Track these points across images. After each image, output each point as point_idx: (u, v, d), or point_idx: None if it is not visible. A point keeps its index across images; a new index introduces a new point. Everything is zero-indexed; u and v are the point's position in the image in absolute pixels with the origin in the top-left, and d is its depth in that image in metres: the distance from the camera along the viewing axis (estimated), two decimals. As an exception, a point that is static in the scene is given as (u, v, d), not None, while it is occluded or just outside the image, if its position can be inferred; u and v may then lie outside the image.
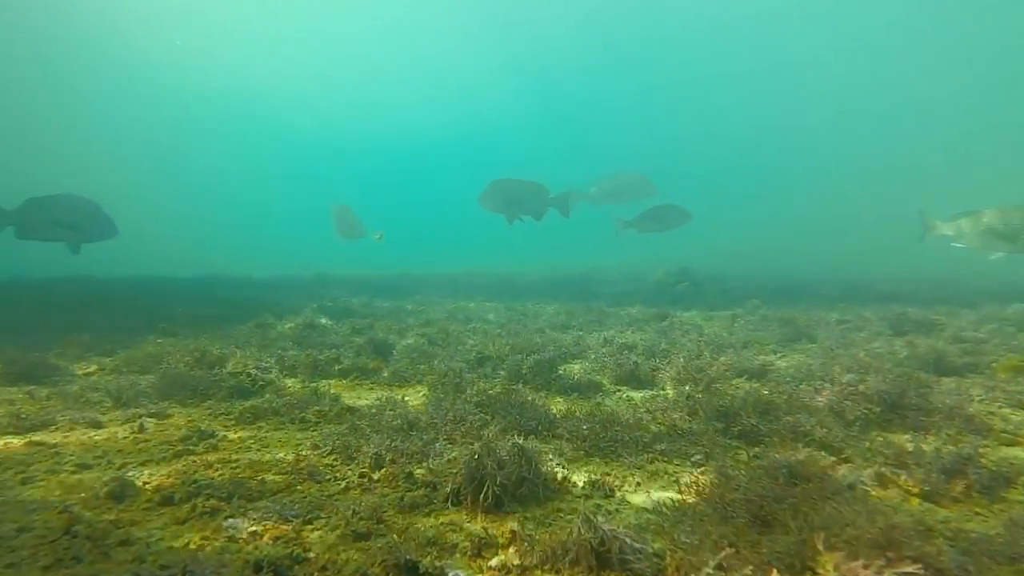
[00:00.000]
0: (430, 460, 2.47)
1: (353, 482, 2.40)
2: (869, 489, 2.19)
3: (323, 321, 8.44)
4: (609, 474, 2.33)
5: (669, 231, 10.99)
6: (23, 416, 3.32)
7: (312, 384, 4.79)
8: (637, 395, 4.17)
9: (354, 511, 2.01)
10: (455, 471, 2.15)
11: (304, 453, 2.82)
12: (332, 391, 4.17)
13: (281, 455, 2.84)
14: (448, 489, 2.11)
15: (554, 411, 3.28)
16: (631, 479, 2.31)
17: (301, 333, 7.45)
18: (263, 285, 16.35)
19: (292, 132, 58.09)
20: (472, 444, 2.44)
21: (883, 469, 2.27)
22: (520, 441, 2.22)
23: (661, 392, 4.25)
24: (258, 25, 45.33)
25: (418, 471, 2.40)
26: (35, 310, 9.42)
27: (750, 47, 45.60)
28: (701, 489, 1.98)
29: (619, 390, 4.35)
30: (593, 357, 5.89)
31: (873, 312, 9.35)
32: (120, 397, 3.87)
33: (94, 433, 3.23)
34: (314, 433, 3.27)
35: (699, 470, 2.37)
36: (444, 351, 6.03)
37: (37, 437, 3.11)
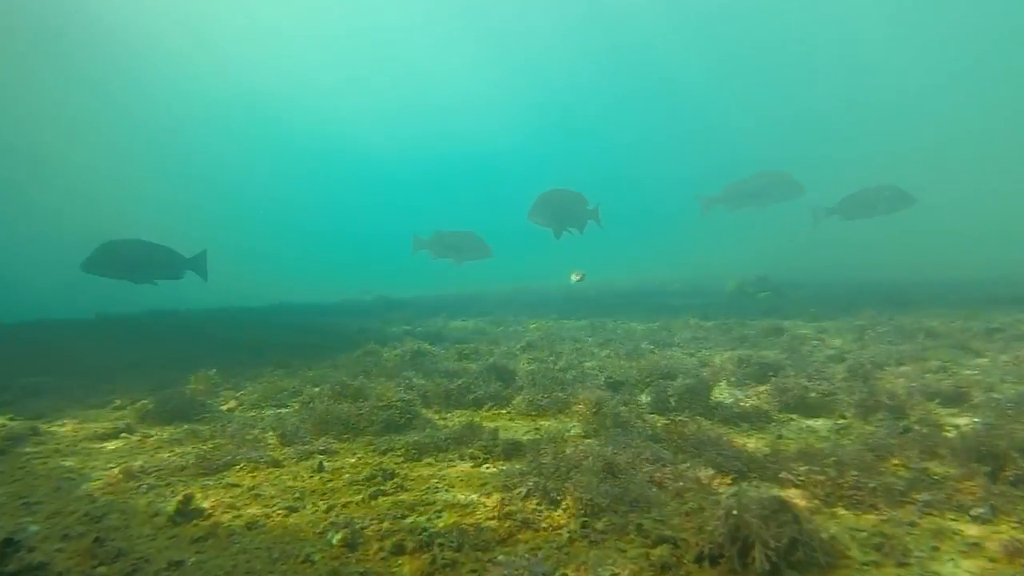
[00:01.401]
0: (655, 509, 2.37)
1: (575, 532, 2.34)
2: None
3: (428, 347, 8.62)
4: (886, 533, 2.12)
5: (885, 216, 10.49)
6: (207, 458, 3.53)
7: (450, 413, 4.86)
8: (819, 424, 3.90)
9: (612, 573, 1.93)
10: (706, 527, 2.02)
11: (500, 496, 2.80)
12: (484, 423, 4.18)
13: (474, 496, 2.84)
14: (700, 549, 1.99)
15: (748, 447, 3.11)
16: (913, 540, 2.09)
17: (412, 360, 7.62)
18: (335, 311, 16.95)
19: (305, 141, 60.63)
20: (706, 493, 2.31)
21: None
22: (763, 491, 2.07)
23: (843, 420, 3.96)
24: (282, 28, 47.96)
25: (646, 522, 2.30)
26: (140, 345, 10.21)
27: (751, 39, 45.69)
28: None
29: (791, 419, 4.09)
30: (733, 380, 5.64)
31: (1012, 317, 8.43)
32: (284, 434, 4.06)
33: (278, 472, 3.38)
34: (490, 470, 3.27)
35: (993, 528, 2.13)
36: (569, 375, 5.95)
37: (229, 479, 3.29)
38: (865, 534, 2.14)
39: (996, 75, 42.19)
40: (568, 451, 3.12)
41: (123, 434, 4.52)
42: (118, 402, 5.94)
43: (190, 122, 52.24)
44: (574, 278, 5.25)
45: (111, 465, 3.64)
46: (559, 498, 2.62)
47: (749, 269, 17.46)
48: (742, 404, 4.22)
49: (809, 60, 46.89)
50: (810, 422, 3.98)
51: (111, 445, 4.25)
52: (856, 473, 2.48)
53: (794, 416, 4.15)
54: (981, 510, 2.20)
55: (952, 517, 2.25)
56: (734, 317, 10.69)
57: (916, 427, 3.09)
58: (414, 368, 7.05)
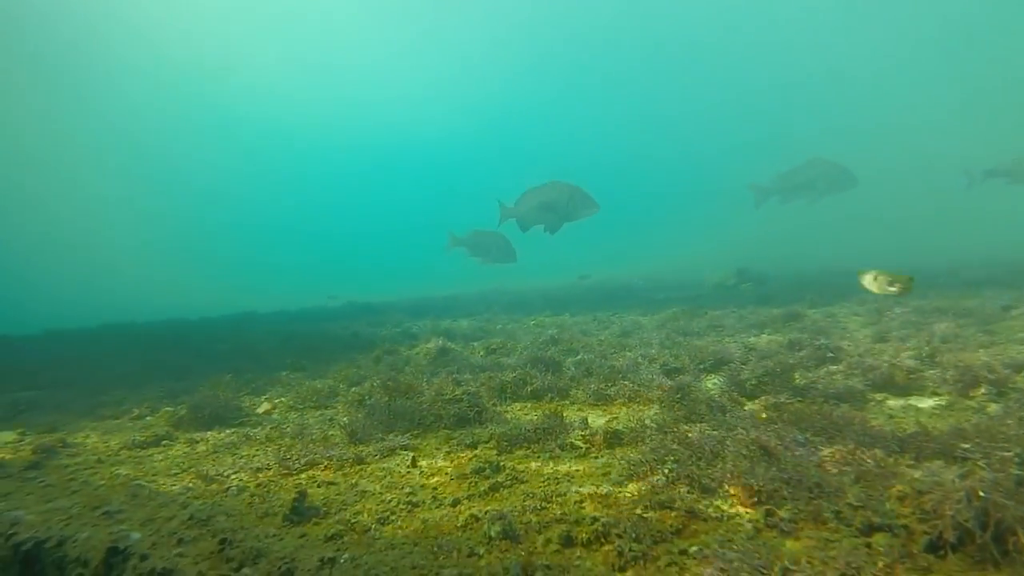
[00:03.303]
0: (846, 494, 2.22)
1: (759, 521, 2.20)
2: None
3: (451, 345, 8.43)
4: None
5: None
6: (287, 457, 3.33)
7: (510, 406, 4.71)
8: (920, 402, 3.89)
9: (850, 563, 1.80)
10: (942, 511, 1.87)
11: (636, 486, 2.68)
12: (564, 414, 4.05)
13: (606, 488, 2.71)
14: (933, 535, 1.83)
15: (885, 427, 3.05)
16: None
17: (440, 357, 7.45)
18: (310, 317, 16.47)
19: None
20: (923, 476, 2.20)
21: None
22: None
23: (939, 398, 3.95)
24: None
25: (843, 509, 2.14)
26: (116, 357, 9.71)
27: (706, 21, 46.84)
28: None
29: (886, 398, 4.06)
30: (791, 362, 5.62)
31: (1010, 296, 8.63)
32: (354, 432, 3.87)
33: (369, 469, 3.20)
34: (603, 460, 3.14)
35: None
36: (618, 364, 5.85)
37: (321, 477, 3.09)
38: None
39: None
40: (692, 435, 3.02)
41: (164, 441, 4.25)
42: (136, 411, 5.63)
43: (128, 114, 50.18)
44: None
45: (175, 471, 3.40)
46: (713, 485, 2.50)
47: (707, 264, 17.66)
48: (835, 385, 4.17)
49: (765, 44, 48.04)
50: (909, 400, 3.96)
51: (158, 452, 3.98)
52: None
53: (887, 395, 4.12)
54: None
55: None
56: (731, 307, 10.75)
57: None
58: (446, 365, 6.88)
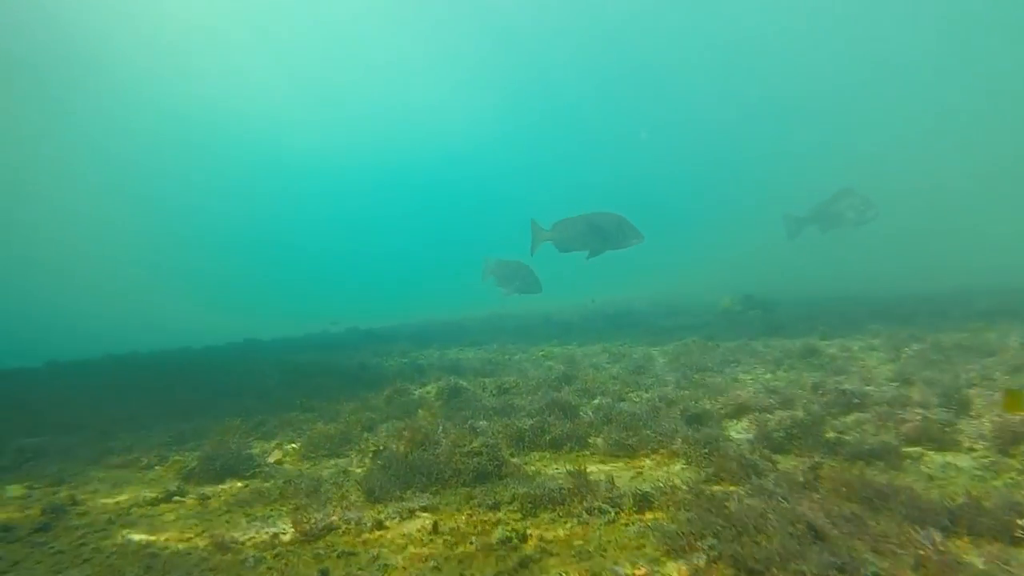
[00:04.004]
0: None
1: None
2: None
3: (463, 383, 8.32)
4: None
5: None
6: (303, 520, 3.21)
7: (528, 456, 4.59)
8: (958, 460, 3.74)
9: None
10: None
11: (676, 565, 2.55)
12: (590, 468, 3.92)
13: (644, 567, 2.58)
14: None
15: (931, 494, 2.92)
16: None
17: (451, 398, 7.33)
18: (315, 346, 16.34)
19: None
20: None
21: None
22: None
23: (977, 453, 3.81)
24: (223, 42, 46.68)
25: None
26: (123, 396, 9.52)
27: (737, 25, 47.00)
28: None
29: (923, 454, 3.92)
30: (818, 411, 5.48)
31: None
32: (371, 490, 3.75)
33: (389, 536, 3.08)
34: (635, 529, 3.01)
35: None
36: (637, 409, 5.72)
37: (340, 546, 2.98)
38: None
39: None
40: (730, 505, 2.89)
41: (176, 497, 4.14)
42: (145, 460, 5.51)
43: (129, 134, 50.27)
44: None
45: (189, 535, 3.29)
46: (759, 568, 2.37)
47: (709, 285, 17.60)
48: (867, 441, 4.03)
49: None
50: (946, 458, 3.82)
51: (170, 511, 3.87)
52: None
53: (923, 451, 3.98)
54: None
55: None
56: (743, 338, 10.56)
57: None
58: (459, 408, 6.76)
